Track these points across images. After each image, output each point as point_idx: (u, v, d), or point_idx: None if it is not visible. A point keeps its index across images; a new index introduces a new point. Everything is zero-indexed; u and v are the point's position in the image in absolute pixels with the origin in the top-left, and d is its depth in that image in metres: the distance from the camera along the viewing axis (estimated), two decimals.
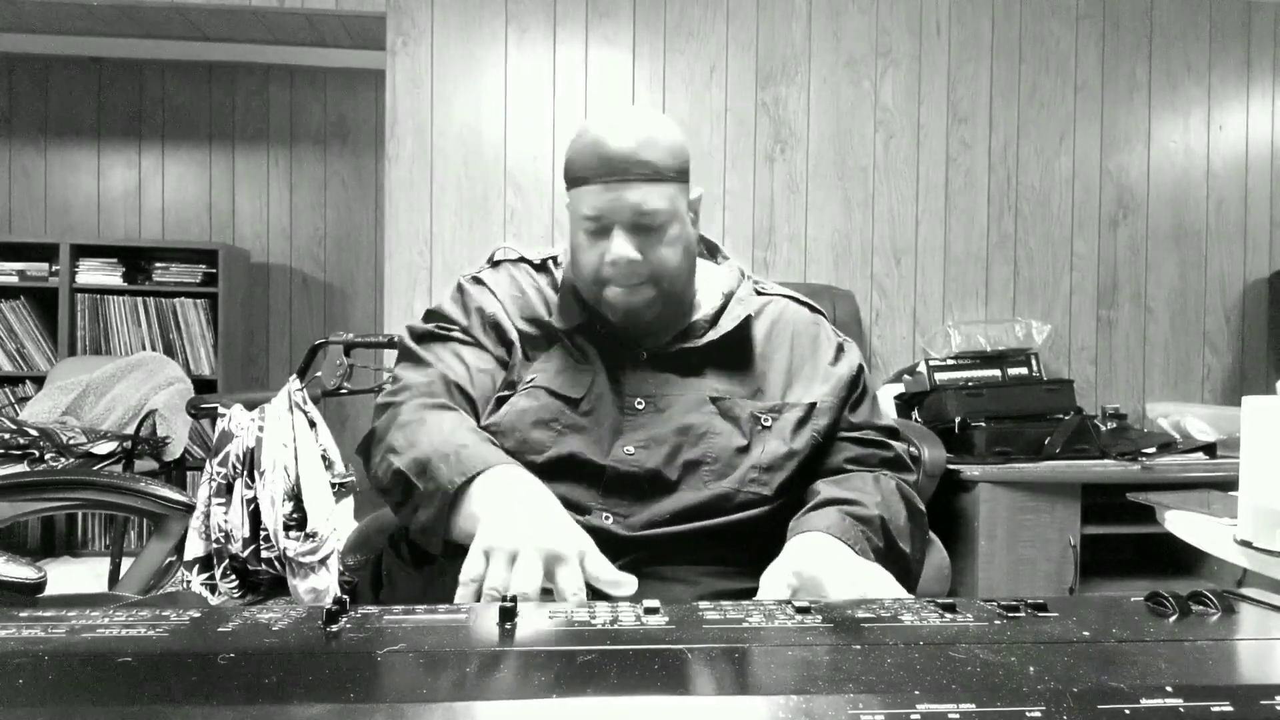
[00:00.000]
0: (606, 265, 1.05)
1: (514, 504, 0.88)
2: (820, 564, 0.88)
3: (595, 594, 0.82)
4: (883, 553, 0.98)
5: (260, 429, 2.32)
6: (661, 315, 1.10)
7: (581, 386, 1.08)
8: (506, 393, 1.09)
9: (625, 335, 1.12)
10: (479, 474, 0.92)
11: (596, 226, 1.06)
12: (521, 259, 1.21)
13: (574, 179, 1.07)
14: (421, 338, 1.15)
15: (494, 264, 1.21)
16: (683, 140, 1.09)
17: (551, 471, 1.04)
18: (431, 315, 1.18)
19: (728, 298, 1.17)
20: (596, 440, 1.06)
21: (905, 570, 1.02)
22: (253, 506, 2.26)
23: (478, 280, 1.18)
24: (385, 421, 1.06)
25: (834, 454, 1.11)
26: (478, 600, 0.80)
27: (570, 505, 1.02)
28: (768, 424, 1.08)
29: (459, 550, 0.88)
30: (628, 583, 0.84)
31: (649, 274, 1.06)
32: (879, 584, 0.85)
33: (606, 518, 1.02)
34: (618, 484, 1.04)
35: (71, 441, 2.85)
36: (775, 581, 0.89)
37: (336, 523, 2.30)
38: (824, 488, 1.05)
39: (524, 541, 0.82)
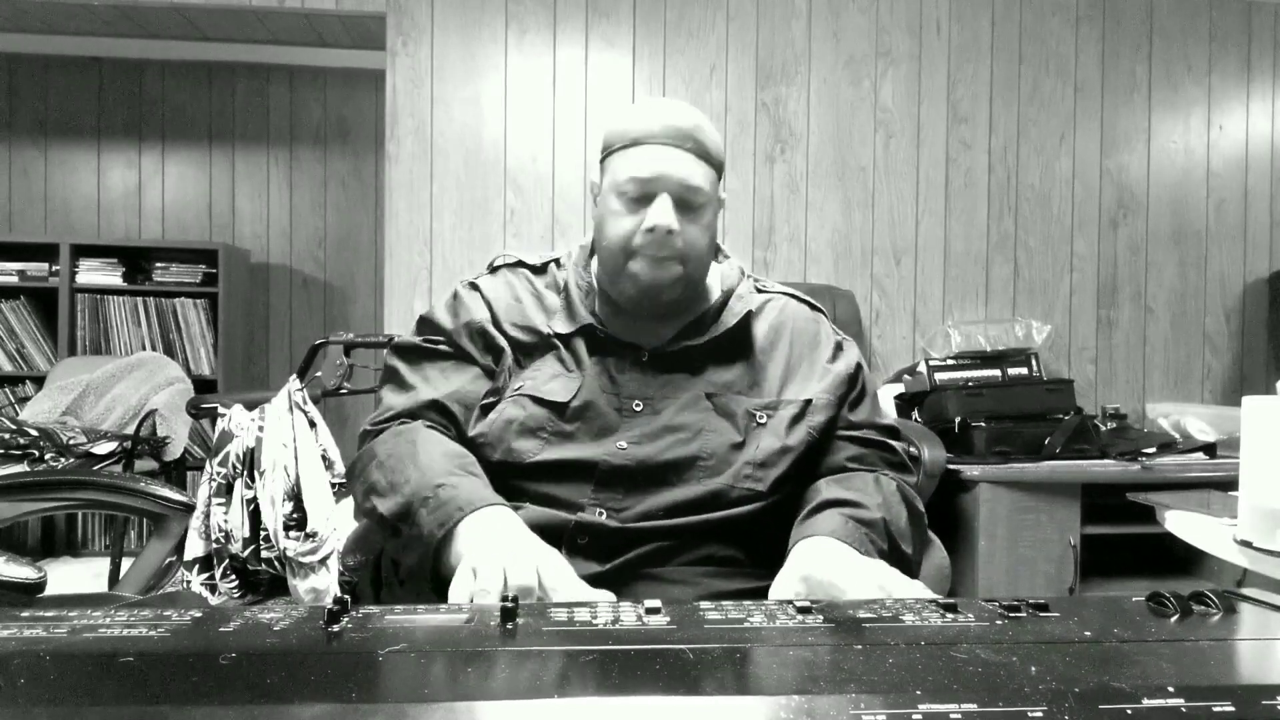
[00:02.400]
0: (642, 232, 1.05)
1: (497, 536, 0.90)
2: (832, 567, 0.88)
3: None
4: (886, 555, 0.98)
5: (260, 429, 2.32)
6: (679, 300, 1.11)
7: (568, 392, 1.08)
8: (492, 400, 1.09)
9: (624, 334, 1.12)
10: (459, 521, 0.92)
11: (640, 190, 1.06)
12: (520, 263, 1.21)
13: (624, 142, 1.08)
14: (407, 353, 1.16)
15: (492, 270, 1.22)
16: (721, 141, 1.13)
17: (540, 474, 1.04)
18: (423, 323, 1.19)
19: (728, 295, 1.17)
20: (586, 445, 1.05)
21: (906, 572, 1.01)
22: (253, 506, 2.26)
23: (473, 286, 1.18)
24: (366, 455, 1.07)
25: (834, 453, 1.11)
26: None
27: (561, 503, 1.02)
28: (763, 421, 1.08)
29: (444, 583, 0.89)
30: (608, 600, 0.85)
31: (680, 250, 1.07)
32: (895, 580, 0.85)
33: (600, 513, 1.02)
34: (610, 477, 1.04)
35: (71, 441, 2.85)
36: (784, 589, 0.89)
37: (336, 523, 2.30)
38: (825, 488, 1.05)
39: (512, 554, 0.83)
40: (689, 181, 1.05)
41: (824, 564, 0.89)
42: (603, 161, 1.11)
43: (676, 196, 1.05)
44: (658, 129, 1.06)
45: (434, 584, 0.94)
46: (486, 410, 1.09)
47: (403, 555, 0.98)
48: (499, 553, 0.84)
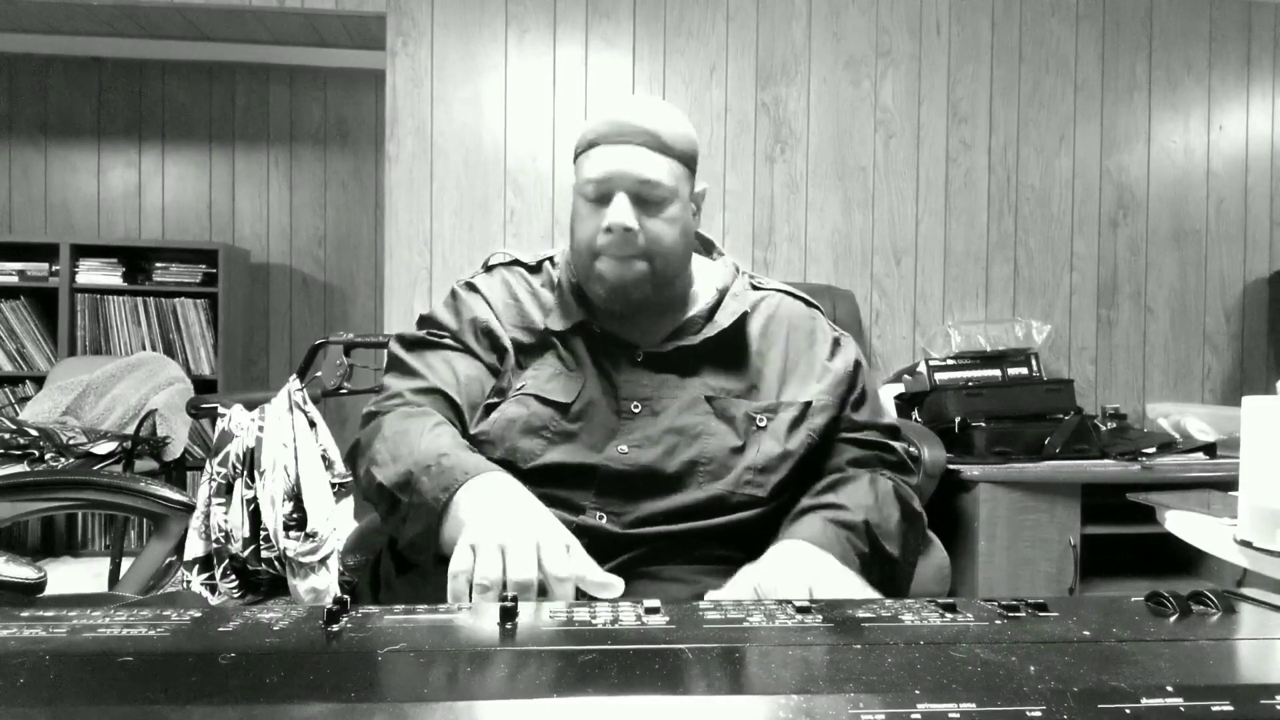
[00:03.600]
0: (602, 232, 1.05)
1: (499, 504, 0.89)
2: (778, 574, 0.88)
3: (581, 596, 0.82)
4: (868, 557, 0.98)
5: (260, 429, 2.32)
6: (650, 298, 1.09)
7: (571, 393, 1.07)
8: (495, 400, 1.09)
9: (620, 332, 1.11)
10: (462, 485, 0.92)
11: (598, 191, 1.06)
12: (515, 262, 1.21)
13: (583, 145, 1.08)
14: (412, 345, 1.15)
15: (488, 268, 1.21)
16: (692, 132, 1.11)
17: (541, 477, 1.03)
18: (425, 321, 1.18)
19: (722, 293, 1.16)
20: (588, 446, 1.05)
21: (893, 574, 1.01)
22: (253, 506, 2.26)
23: (471, 286, 1.18)
24: (369, 433, 1.06)
25: (835, 455, 1.10)
26: (469, 594, 0.80)
27: (562, 505, 1.02)
28: (763, 424, 1.08)
29: (446, 559, 0.88)
30: (615, 585, 0.83)
31: (643, 247, 1.06)
32: (841, 591, 0.85)
33: (600, 517, 1.02)
34: (611, 483, 1.03)
35: (71, 441, 2.85)
36: (737, 590, 0.90)
37: (336, 523, 2.30)
38: (812, 493, 1.05)
39: (511, 532, 0.82)
40: (643, 176, 1.04)
41: (774, 570, 0.89)
42: (575, 163, 1.12)
43: (634, 193, 1.05)
44: (611, 128, 1.05)
45: (435, 559, 0.93)
46: (489, 410, 1.08)
47: (403, 528, 0.97)
48: (499, 529, 0.82)
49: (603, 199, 1.06)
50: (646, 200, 1.05)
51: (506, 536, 0.81)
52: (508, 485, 0.93)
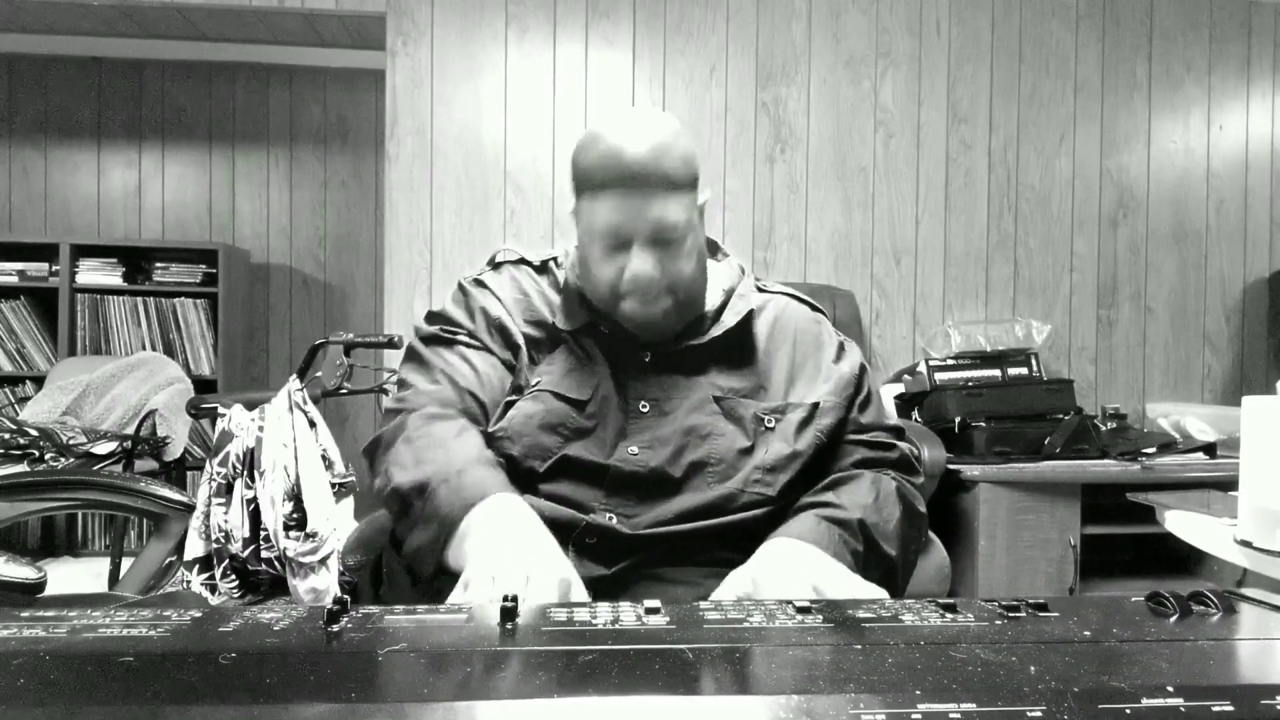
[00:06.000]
0: (626, 281, 1.05)
1: (504, 537, 0.88)
2: (775, 572, 0.88)
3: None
4: (862, 555, 0.98)
5: (260, 429, 2.32)
6: (677, 324, 1.11)
7: (588, 389, 1.07)
8: (513, 397, 1.09)
9: (630, 336, 1.12)
10: (476, 505, 0.91)
11: (615, 240, 1.04)
12: (522, 260, 1.20)
13: (588, 186, 1.05)
14: (428, 340, 1.14)
15: (494, 266, 1.20)
16: (693, 147, 1.08)
17: (555, 473, 1.04)
18: (435, 317, 1.17)
19: (728, 294, 1.16)
20: (601, 442, 1.05)
21: (890, 572, 1.01)
22: (253, 506, 2.26)
23: (479, 283, 1.17)
24: (393, 431, 1.05)
25: (843, 456, 1.10)
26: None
27: (573, 505, 1.02)
28: (771, 425, 1.08)
29: (447, 572, 0.88)
30: None
31: (667, 287, 1.06)
32: (831, 587, 0.85)
33: (610, 518, 1.02)
34: (621, 484, 1.03)
35: (71, 441, 2.85)
36: (732, 587, 0.90)
37: (336, 523, 2.30)
38: (812, 492, 1.05)
39: (505, 565, 0.82)
40: (663, 221, 1.02)
41: (762, 567, 0.90)
42: (576, 196, 1.08)
43: (650, 239, 1.03)
44: (620, 174, 1.01)
45: (437, 569, 0.93)
46: (507, 407, 1.08)
47: (411, 534, 0.97)
48: (496, 561, 0.82)
49: (622, 245, 1.04)
50: (665, 242, 1.04)
51: (500, 569, 0.81)
52: (519, 513, 0.92)
